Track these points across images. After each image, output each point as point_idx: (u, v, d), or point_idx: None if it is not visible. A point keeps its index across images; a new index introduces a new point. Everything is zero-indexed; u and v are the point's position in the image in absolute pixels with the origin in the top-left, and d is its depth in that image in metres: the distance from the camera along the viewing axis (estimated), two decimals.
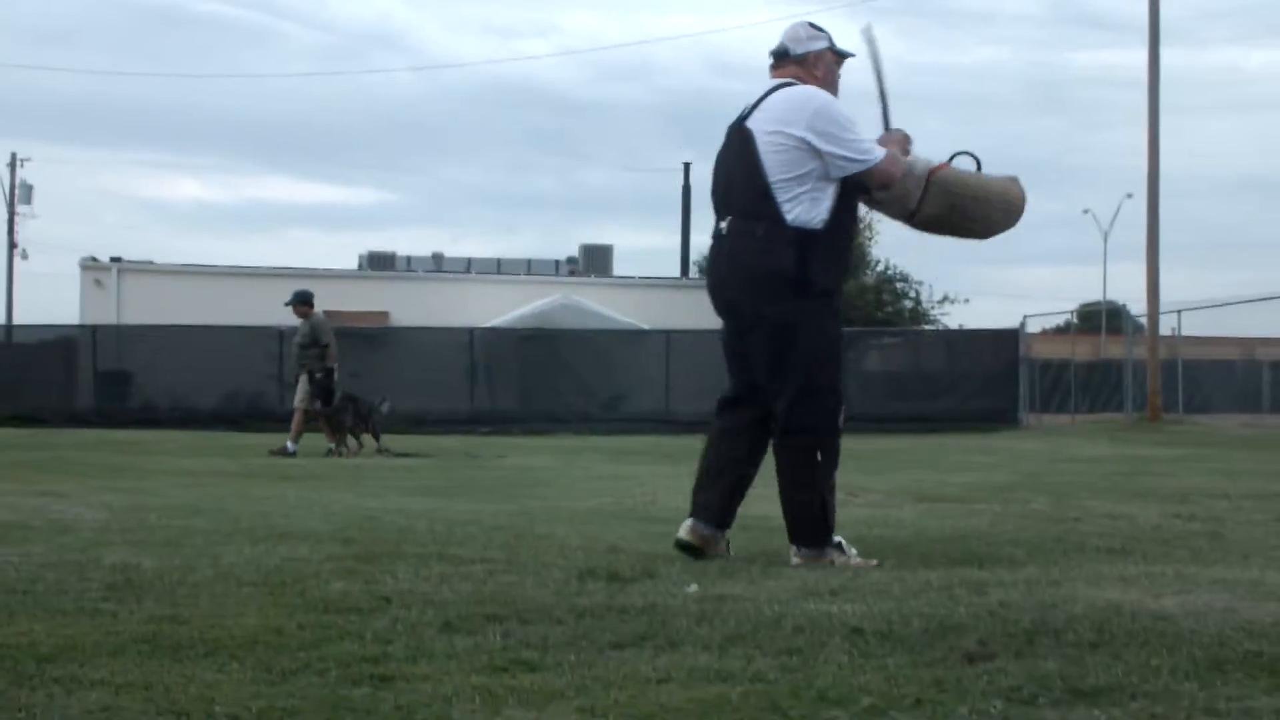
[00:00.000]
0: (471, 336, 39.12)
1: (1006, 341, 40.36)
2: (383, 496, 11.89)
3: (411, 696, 3.83)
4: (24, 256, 65.73)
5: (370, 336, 40.34)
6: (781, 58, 7.19)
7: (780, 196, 6.82)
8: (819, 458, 6.97)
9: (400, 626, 4.89)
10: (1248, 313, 35.84)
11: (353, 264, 57.61)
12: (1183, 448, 23.10)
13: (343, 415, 21.17)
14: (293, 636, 4.69)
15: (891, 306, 52.14)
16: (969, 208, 7.20)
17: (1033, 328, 42.93)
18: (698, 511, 7.18)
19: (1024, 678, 4.00)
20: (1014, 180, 7.32)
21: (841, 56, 7.26)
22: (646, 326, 42.52)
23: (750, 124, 7.00)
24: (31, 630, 4.81)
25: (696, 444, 24.79)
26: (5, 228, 65.06)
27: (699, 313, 42.42)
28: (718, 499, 7.19)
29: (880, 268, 53.28)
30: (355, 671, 4.14)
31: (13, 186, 65.24)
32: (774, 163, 6.85)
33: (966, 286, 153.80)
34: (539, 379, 38.22)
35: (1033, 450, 22.39)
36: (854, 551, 6.97)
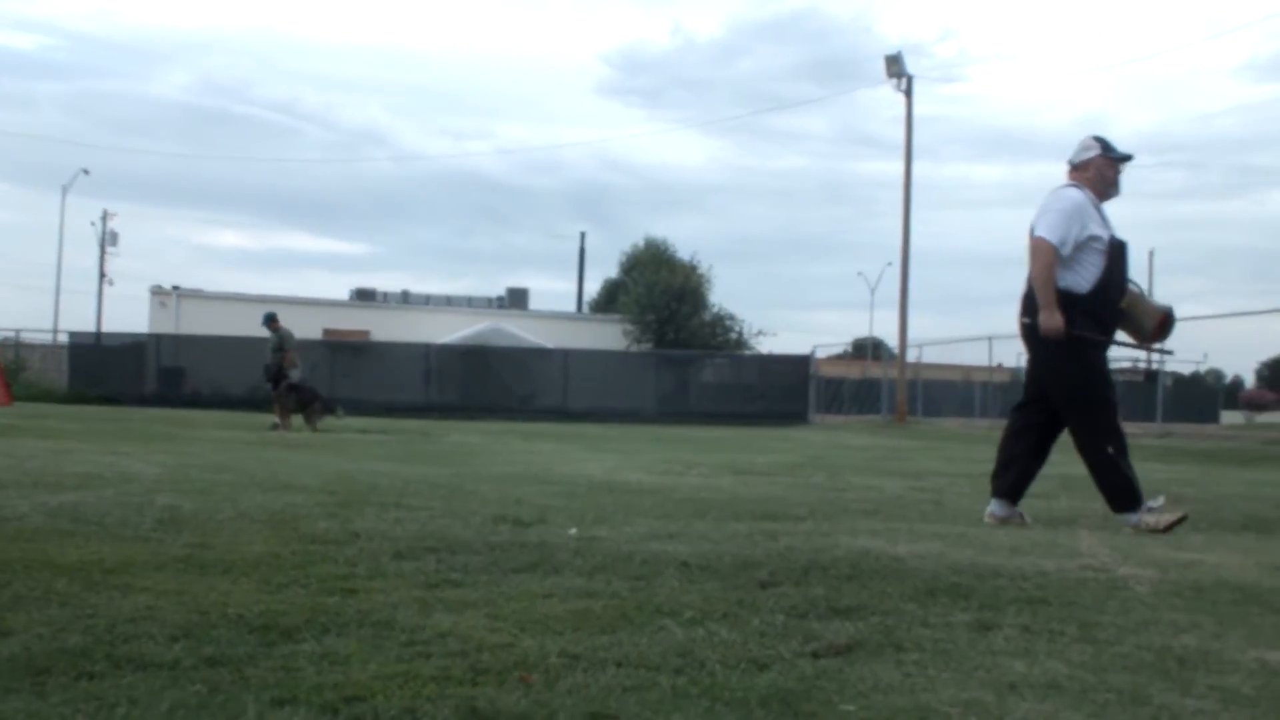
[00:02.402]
0: (428, 350, 38.91)
1: (802, 363, 40.67)
2: (359, 461, 11.75)
3: (369, 604, 3.79)
4: (110, 284, 64.25)
5: (357, 348, 40.10)
6: (1069, 165, 6.95)
7: (1054, 269, 6.61)
8: (1110, 452, 6.61)
9: (364, 554, 4.84)
10: (967, 348, 36.44)
11: (345, 296, 56.96)
12: (920, 440, 23.36)
13: (287, 400, 20.84)
14: (286, 560, 4.63)
15: (722, 336, 52.13)
16: (1140, 320, 6.89)
17: (820, 354, 43.20)
18: (998, 493, 6.95)
19: (800, 599, 4.02)
20: (1158, 306, 7.00)
21: (1114, 159, 6.92)
22: (551, 346, 42.44)
23: (1035, 217, 6.78)
24: (100, 551, 4.72)
25: (586, 430, 24.62)
26: (97, 263, 63.84)
27: (589, 337, 42.53)
28: (1010, 483, 6.92)
29: (715, 309, 53.27)
30: (330, 585, 4.09)
31: (104, 233, 63.89)
32: None
33: (776, 323, 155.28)
34: (475, 381, 38.01)
35: (817, 440, 22.53)
36: (1161, 500, 6.67)
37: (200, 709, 2.63)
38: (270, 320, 21.78)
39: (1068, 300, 6.62)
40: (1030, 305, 6.77)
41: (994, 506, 6.93)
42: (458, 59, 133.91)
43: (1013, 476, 6.94)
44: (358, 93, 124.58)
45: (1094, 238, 6.67)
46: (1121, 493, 6.64)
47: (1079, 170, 6.90)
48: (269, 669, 2.96)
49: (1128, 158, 6.95)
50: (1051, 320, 6.58)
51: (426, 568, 4.56)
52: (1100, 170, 6.87)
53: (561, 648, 3.24)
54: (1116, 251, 6.74)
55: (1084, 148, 6.93)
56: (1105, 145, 6.91)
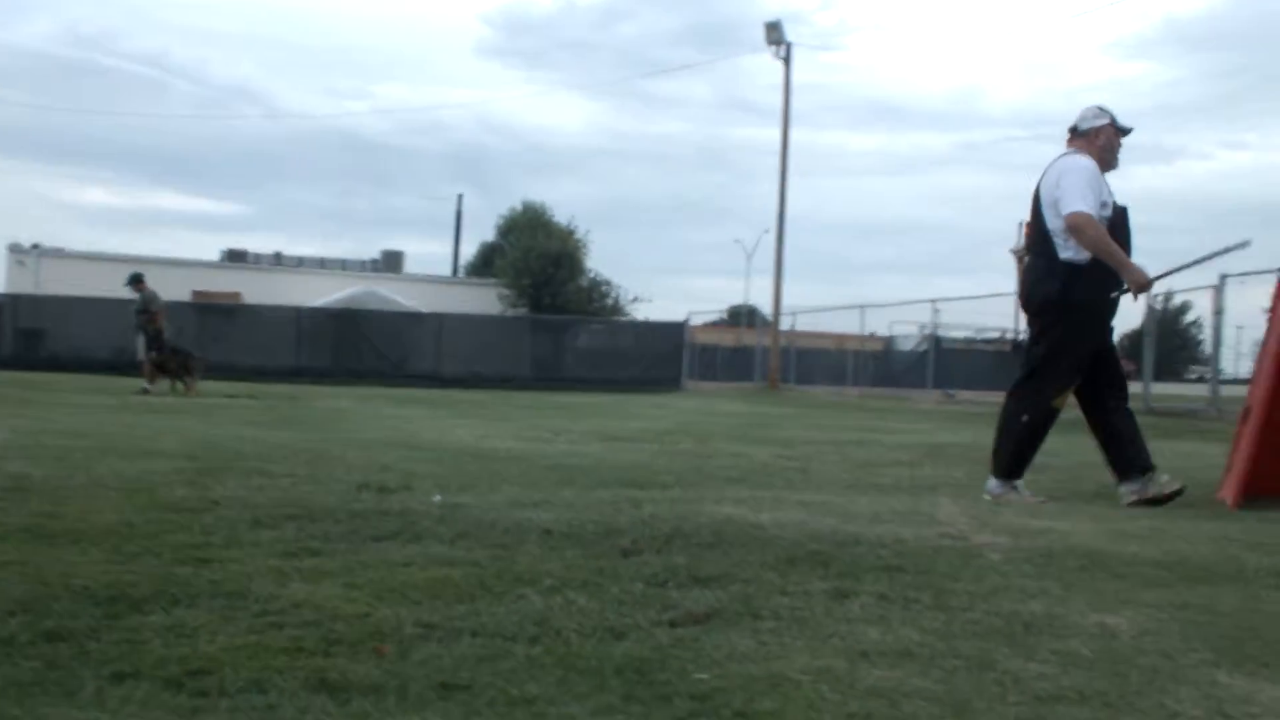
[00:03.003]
0: (299, 313, 38.33)
1: (676, 330, 40.82)
2: (224, 426, 11.53)
3: (223, 574, 3.72)
4: None
5: (227, 310, 39.38)
6: (1073, 132, 6.90)
7: (1055, 240, 6.62)
8: (1025, 421, 6.72)
9: (221, 522, 4.76)
10: (840, 316, 36.92)
11: (216, 256, 55.92)
12: (791, 408, 23.60)
13: (167, 363, 20.57)
14: (139, 529, 4.53)
15: (598, 302, 52.23)
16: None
17: (695, 321, 43.50)
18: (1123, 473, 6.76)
19: (660, 567, 4.04)
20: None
21: (1121, 131, 6.90)
22: (424, 310, 42.09)
23: (1040, 185, 6.76)
24: None
25: (459, 396, 24.41)
26: None
27: (463, 301, 42.12)
28: (1120, 454, 6.75)
29: (592, 274, 53.31)
30: (183, 555, 4.01)
31: None
32: (1051, 215, 6.63)
33: (653, 289, 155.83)
34: (347, 345, 37.50)
35: (689, 407, 22.64)
36: (1028, 492, 6.70)
37: (34, 685, 2.56)
38: (135, 281, 21.32)
39: (1071, 272, 6.63)
40: (1035, 278, 6.81)
41: (1123, 487, 6.75)
42: (336, 16, 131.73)
43: (1118, 449, 6.80)
44: (230, 48, 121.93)
45: (1104, 204, 6.68)
46: (1007, 461, 6.79)
47: (1086, 138, 6.89)
48: (112, 642, 2.89)
49: (1130, 130, 6.99)
50: (1136, 274, 6.61)
51: (285, 536, 4.49)
52: (1109, 139, 6.89)
53: (418, 617, 3.21)
54: (1120, 217, 6.80)
55: (1093, 115, 6.92)
56: (1113, 116, 6.94)
